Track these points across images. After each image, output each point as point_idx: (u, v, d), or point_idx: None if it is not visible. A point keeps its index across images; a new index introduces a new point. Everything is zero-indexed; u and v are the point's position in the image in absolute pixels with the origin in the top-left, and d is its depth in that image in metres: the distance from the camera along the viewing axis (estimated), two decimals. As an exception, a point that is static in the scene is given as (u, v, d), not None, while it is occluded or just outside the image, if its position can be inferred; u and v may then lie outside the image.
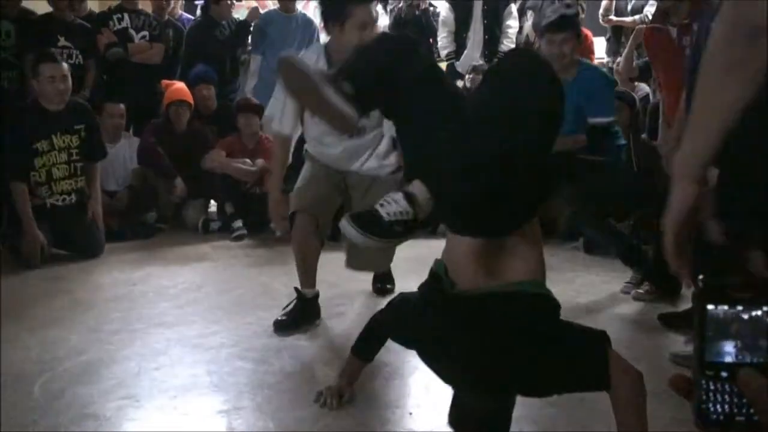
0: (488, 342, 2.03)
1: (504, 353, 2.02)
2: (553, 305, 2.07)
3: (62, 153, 4.92)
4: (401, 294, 2.42)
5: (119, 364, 3.03)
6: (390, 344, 2.70)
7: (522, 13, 7.13)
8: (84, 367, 2.97)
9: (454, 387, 2.25)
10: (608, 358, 1.96)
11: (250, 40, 6.63)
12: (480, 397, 2.20)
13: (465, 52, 6.94)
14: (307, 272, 3.57)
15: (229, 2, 6.51)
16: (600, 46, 7.49)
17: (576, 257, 5.01)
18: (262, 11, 7.08)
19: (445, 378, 2.21)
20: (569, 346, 2.01)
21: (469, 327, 2.06)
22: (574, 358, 2.00)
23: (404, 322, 2.30)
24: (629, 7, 6.99)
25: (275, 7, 6.92)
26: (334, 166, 3.59)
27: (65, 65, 4.97)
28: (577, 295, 4.08)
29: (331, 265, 3.80)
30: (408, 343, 2.34)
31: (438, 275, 2.13)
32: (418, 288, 2.25)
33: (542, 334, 2.00)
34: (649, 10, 6.78)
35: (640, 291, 4.00)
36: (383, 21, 7.28)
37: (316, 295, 3.60)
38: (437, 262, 2.19)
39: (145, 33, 6.26)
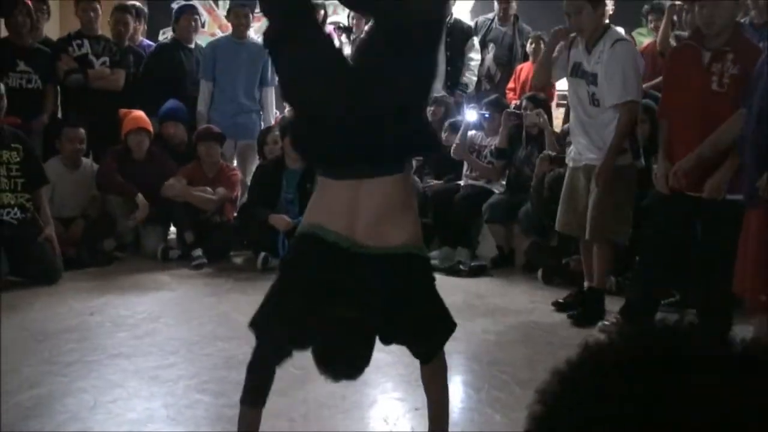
0: (391, 296, 2.21)
1: (401, 306, 2.23)
2: (432, 270, 2.42)
3: (1, 167, 4.89)
4: (257, 318, 2.35)
5: (73, 396, 2.97)
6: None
7: (484, 46, 7.23)
8: (36, 401, 2.91)
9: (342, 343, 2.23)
10: (449, 334, 2.37)
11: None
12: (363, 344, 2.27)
13: (427, 83, 7.01)
14: None
15: (189, 23, 6.46)
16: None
17: (535, 288, 5.04)
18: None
19: (336, 338, 2.21)
20: (441, 308, 2.36)
21: (377, 281, 2.22)
22: (438, 321, 2.37)
23: (291, 317, 2.26)
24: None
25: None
26: None
27: (0, 84, 4.98)
28: (536, 326, 4.10)
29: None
30: (300, 339, 2.29)
31: (325, 238, 2.24)
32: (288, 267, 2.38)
33: (429, 292, 2.33)
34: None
35: (606, 323, 4.03)
36: (346, 51, 7.33)
37: None
38: (307, 227, 2.31)
39: (106, 59, 6.20)
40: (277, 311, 2.30)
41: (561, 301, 4.47)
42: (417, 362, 3.42)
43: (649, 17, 6.46)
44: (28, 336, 3.74)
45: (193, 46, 6.53)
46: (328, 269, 2.22)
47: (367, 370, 3.32)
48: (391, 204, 2.25)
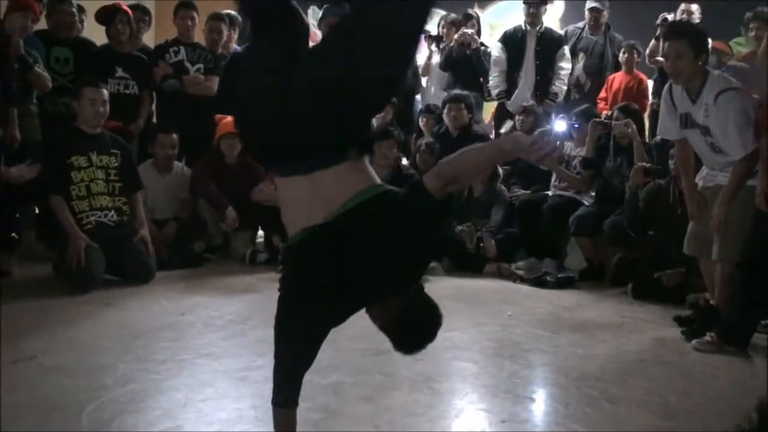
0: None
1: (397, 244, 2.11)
2: (392, 194, 2.21)
3: (100, 170, 5.10)
4: (279, 317, 2.28)
5: (165, 394, 3.04)
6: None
7: (574, 55, 7.13)
8: (131, 397, 2.98)
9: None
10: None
11: None
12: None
13: (516, 92, 6.96)
14: None
15: None
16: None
17: (624, 302, 4.93)
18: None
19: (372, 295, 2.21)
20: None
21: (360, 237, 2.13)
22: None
23: (307, 309, 2.23)
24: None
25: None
26: None
27: (105, 91, 5.18)
28: (626, 342, 4.01)
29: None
30: (323, 319, 2.28)
31: (291, 246, 2.25)
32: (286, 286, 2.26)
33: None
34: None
35: (701, 341, 3.91)
36: (435, 59, 7.35)
37: None
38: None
39: (200, 66, 6.37)
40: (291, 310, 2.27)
41: (682, 316, 4.34)
42: (504, 374, 3.39)
43: (751, 25, 6.26)
44: (124, 333, 3.85)
45: None
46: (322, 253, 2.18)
47: (454, 379, 3.33)
48: (345, 192, 2.19)
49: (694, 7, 6.84)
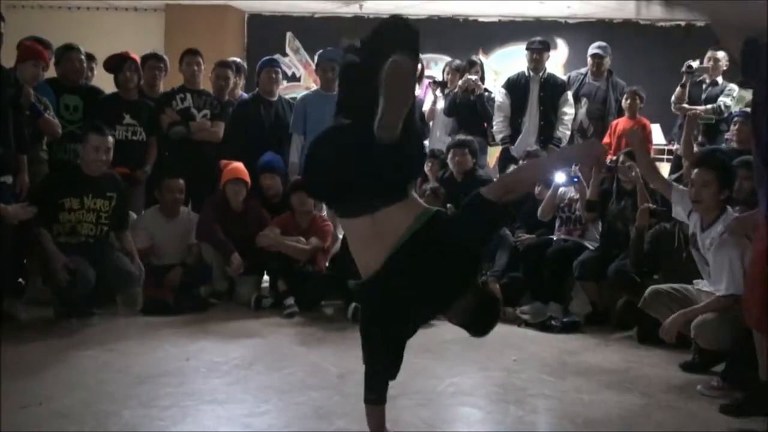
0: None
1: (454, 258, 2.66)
2: (442, 213, 2.79)
3: (90, 213, 5.23)
4: (364, 334, 2.82)
5: (170, 441, 3.04)
6: None
7: (577, 100, 7.20)
8: (135, 444, 2.99)
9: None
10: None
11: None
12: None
13: (520, 137, 7.02)
14: None
15: (270, 76, 6.66)
16: (657, 132, 7.48)
17: (630, 347, 4.91)
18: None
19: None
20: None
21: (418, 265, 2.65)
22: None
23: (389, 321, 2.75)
24: (703, 96, 6.92)
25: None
26: None
27: (110, 139, 5.29)
28: (632, 386, 3.99)
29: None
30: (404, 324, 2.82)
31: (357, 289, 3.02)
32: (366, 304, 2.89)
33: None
34: (724, 100, 6.72)
35: (707, 386, 3.90)
36: (440, 105, 7.42)
37: None
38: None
39: (207, 112, 6.45)
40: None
41: (687, 362, 4.39)
42: (509, 420, 3.38)
43: None
44: (128, 379, 3.85)
45: (275, 98, 6.70)
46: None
47: (458, 425, 3.32)
48: (403, 224, 2.68)
49: (721, 54, 6.86)
